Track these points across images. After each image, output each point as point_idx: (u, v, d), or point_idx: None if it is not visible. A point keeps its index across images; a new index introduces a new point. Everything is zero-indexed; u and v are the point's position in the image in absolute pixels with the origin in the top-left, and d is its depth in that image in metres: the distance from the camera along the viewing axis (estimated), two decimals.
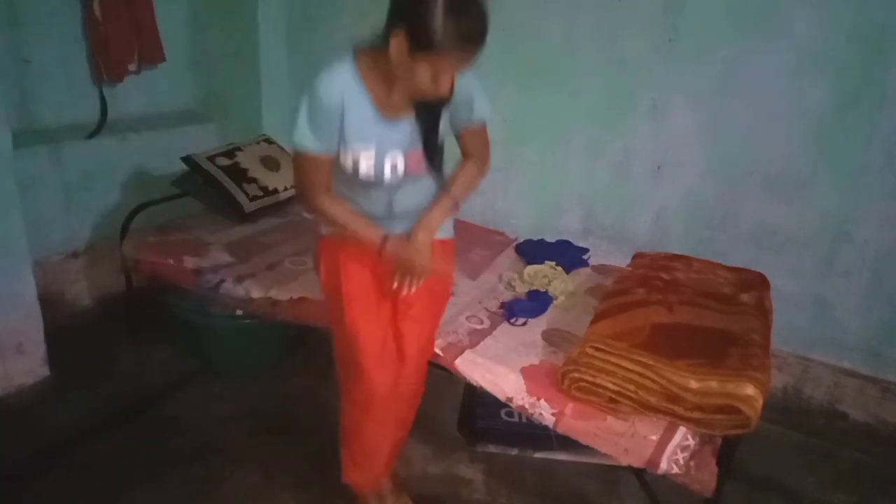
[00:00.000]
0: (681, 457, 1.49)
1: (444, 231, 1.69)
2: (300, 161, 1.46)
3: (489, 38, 1.27)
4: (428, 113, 1.46)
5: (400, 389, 1.66)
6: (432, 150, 1.51)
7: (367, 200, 1.55)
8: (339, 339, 1.68)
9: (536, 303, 2.03)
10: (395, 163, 1.47)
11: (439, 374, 1.81)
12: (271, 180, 2.75)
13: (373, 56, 1.37)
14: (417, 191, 1.57)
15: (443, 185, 1.60)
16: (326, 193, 1.51)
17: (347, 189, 1.56)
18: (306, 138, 1.40)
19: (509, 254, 2.49)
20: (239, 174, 2.67)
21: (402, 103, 1.44)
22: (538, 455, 2.02)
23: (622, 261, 2.30)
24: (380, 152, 1.45)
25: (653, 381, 1.50)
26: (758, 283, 1.96)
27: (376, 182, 1.49)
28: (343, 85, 1.38)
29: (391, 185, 1.51)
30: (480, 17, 1.24)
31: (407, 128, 1.47)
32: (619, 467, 1.76)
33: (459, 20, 1.21)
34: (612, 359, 1.54)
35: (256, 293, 2.09)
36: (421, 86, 1.33)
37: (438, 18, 1.20)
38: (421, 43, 1.24)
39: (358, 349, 1.60)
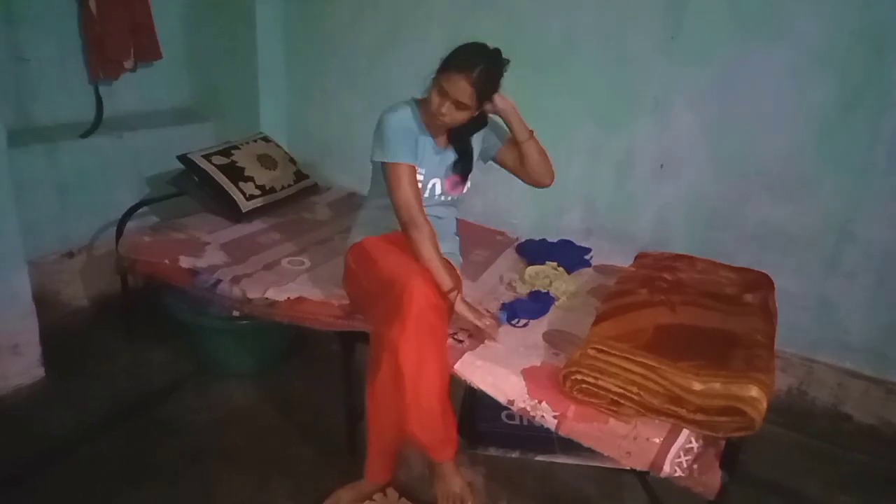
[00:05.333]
0: (684, 459, 1.47)
1: (453, 258, 2.01)
2: (398, 174, 1.77)
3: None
4: (460, 138, 1.90)
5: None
6: (466, 167, 1.93)
7: None
8: (377, 306, 1.74)
9: (538, 304, 2.00)
10: (434, 184, 1.92)
11: None
12: (268, 179, 2.73)
13: (425, 103, 1.81)
14: (446, 212, 2.00)
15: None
16: (423, 212, 1.78)
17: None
18: (398, 154, 1.77)
19: (510, 254, 2.47)
20: (235, 173, 2.64)
21: (442, 136, 1.87)
22: (539, 458, 1.99)
23: (624, 261, 2.28)
24: (427, 175, 1.89)
25: (656, 382, 1.48)
26: (762, 283, 1.94)
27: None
28: (407, 114, 1.82)
29: (429, 201, 1.92)
30: (469, 61, 1.70)
31: (448, 157, 1.91)
32: (622, 470, 1.74)
33: (456, 56, 1.73)
34: (615, 360, 1.52)
35: (253, 293, 2.07)
36: (432, 108, 1.74)
37: (451, 54, 1.72)
38: (439, 68, 1.73)
39: (397, 274, 1.69)
